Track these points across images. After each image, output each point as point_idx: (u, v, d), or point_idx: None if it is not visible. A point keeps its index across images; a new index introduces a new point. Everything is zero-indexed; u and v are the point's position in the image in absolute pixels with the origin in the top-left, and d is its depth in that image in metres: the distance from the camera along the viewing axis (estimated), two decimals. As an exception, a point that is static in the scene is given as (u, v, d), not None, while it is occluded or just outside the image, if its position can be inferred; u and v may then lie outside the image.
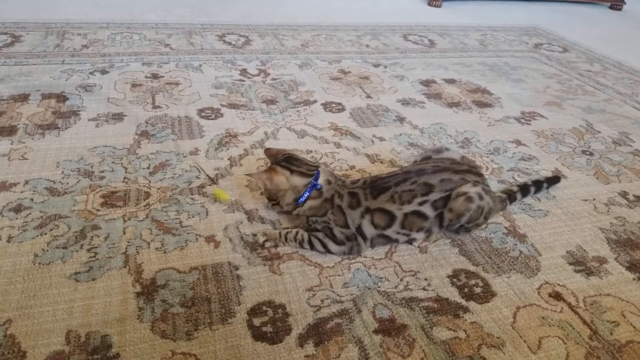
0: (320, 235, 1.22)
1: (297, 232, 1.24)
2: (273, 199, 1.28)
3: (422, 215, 1.22)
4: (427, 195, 1.21)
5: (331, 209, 1.21)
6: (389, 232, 1.22)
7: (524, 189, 1.50)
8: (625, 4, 4.26)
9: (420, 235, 1.27)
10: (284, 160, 1.27)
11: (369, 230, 1.22)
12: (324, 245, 1.21)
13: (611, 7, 4.30)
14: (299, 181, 1.23)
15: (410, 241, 1.28)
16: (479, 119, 2.02)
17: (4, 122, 1.63)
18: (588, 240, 1.37)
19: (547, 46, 3.08)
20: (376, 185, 1.23)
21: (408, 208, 1.21)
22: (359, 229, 1.21)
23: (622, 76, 2.68)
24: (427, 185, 1.22)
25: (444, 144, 1.77)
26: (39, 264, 1.10)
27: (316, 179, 1.23)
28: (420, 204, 1.21)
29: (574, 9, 4.14)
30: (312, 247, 1.22)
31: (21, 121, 1.64)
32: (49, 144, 1.54)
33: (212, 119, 1.79)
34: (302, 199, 1.23)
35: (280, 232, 1.25)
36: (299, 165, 1.26)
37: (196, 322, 1.01)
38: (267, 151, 1.34)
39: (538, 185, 1.52)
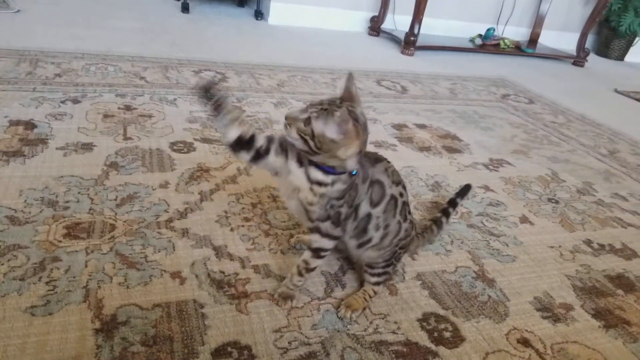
0: (327, 224, 1.08)
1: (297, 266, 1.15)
2: (314, 151, 1.00)
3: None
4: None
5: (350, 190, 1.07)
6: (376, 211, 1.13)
7: (445, 212, 1.49)
8: (587, 61, 4.48)
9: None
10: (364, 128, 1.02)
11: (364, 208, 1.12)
12: (328, 234, 1.09)
13: (574, 64, 4.52)
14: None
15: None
16: (449, 163, 2.06)
17: (-34, 147, 1.57)
18: (555, 287, 1.38)
19: (514, 97, 3.20)
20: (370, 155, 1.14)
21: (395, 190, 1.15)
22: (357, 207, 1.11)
23: (585, 129, 2.79)
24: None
25: (414, 186, 1.80)
26: (-7, 296, 1.05)
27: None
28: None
29: (539, 63, 4.33)
30: (318, 255, 1.13)
31: (-15, 147, 1.59)
32: (13, 171, 1.49)
33: (185, 153, 1.77)
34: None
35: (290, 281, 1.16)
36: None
37: (157, 362, 0.96)
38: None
39: (453, 203, 1.52)
